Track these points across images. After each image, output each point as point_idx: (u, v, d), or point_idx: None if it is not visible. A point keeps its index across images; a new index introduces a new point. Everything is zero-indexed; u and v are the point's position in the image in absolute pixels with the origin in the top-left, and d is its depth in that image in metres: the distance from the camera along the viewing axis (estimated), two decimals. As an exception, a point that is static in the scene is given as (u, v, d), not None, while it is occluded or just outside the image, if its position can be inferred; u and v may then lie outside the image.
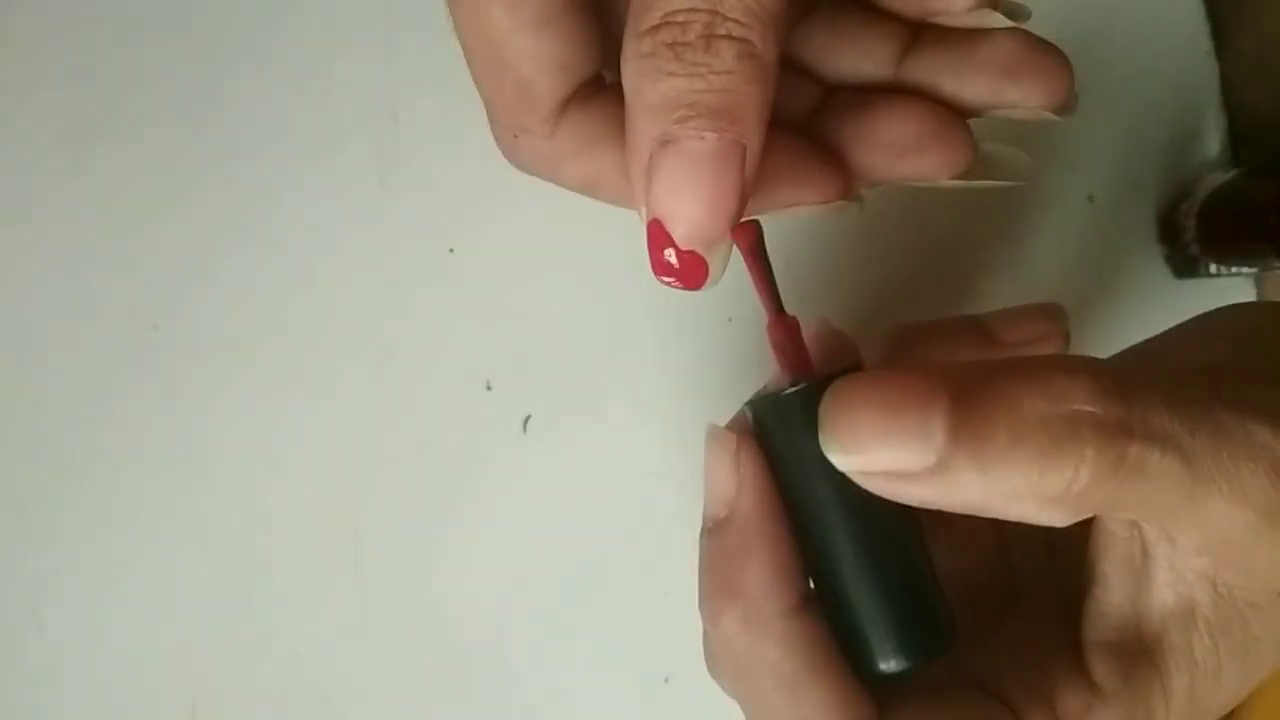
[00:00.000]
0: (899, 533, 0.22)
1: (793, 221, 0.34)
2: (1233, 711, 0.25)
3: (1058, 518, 0.19)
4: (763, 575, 0.22)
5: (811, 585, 0.23)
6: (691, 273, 0.22)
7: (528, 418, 0.34)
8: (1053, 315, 0.29)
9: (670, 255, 0.21)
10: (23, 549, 0.33)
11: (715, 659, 0.24)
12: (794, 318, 0.23)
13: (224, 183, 0.33)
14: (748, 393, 0.33)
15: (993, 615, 0.24)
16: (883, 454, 0.19)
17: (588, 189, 0.24)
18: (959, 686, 0.23)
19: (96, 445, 0.33)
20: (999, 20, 0.23)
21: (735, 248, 0.22)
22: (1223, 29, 0.36)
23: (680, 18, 0.19)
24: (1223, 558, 0.20)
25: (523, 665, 0.34)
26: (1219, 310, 0.24)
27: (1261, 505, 0.19)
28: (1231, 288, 0.36)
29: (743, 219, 0.21)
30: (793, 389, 0.22)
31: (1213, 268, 0.34)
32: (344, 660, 0.33)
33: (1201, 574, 0.20)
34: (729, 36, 0.19)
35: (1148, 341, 0.23)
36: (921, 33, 0.24)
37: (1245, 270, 0.34)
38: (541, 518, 0.34)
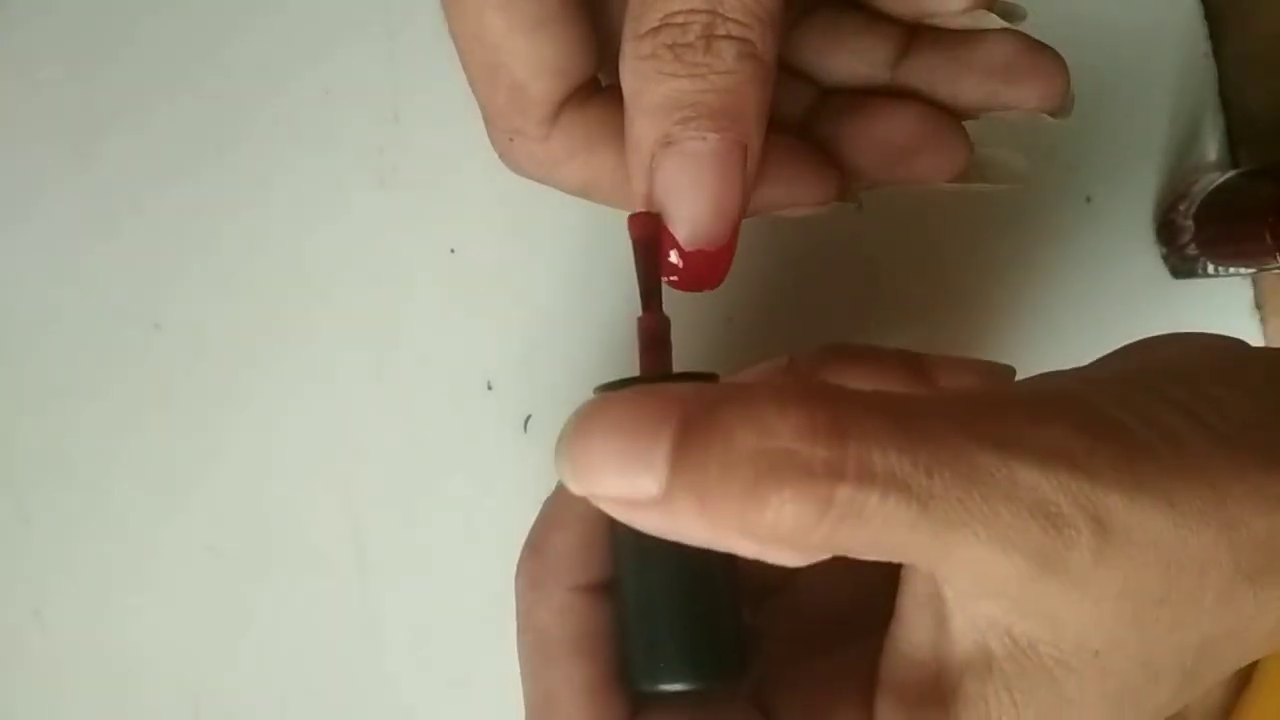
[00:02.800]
0: (694, 552, 0.20)
1: (791, 222, 0.34)
2: (1231, 710, 0.25)
3: (785, 558, 0.18)
4: (564, 545, 0.23)
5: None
6: (694, 273, 0.22)
7: (528, 418, 0.34)
8: (997, 375, 0.26)
9: (673, 256, 0.21)
10: (23, 549, 0.33)
11: (516, 615, 0.24)
12: (665, 318, 0.22)
13: (225, 182, 0.33)
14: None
15: (815, 647, 0.23)
16: (608, 482, 0.17)
17: (584, 191, 0.24)
18: (727, 702, 0.22)
19: (97, 445, 0.33)
20: (994, 21, 0.23)
21: (630, 235, 0.21)
22: (1221, 30, 0.36)
23: (680, 19, 0.19)
24: (1013, 607, 0.18)
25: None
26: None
27: (1032, 552, 0.17)
28: (1229, 288, 0.36)
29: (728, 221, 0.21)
30: (628, 379, 0.21)
31: (1210, 268, 0.34)
32: (345, 660, 0.33)
33: (992, 621, 0.18)
34: (729, 36, 0.19)
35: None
36: (917, 35, 0.24)
37: (1242, 271, 0.34)
38: (541, 517, 0.34)
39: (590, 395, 0.34)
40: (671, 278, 0.22)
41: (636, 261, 0.22)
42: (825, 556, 0.18)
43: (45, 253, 0.33)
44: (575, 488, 0.18)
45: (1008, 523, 0.17)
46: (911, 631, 0.20)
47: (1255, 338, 0.36)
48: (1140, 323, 0.35)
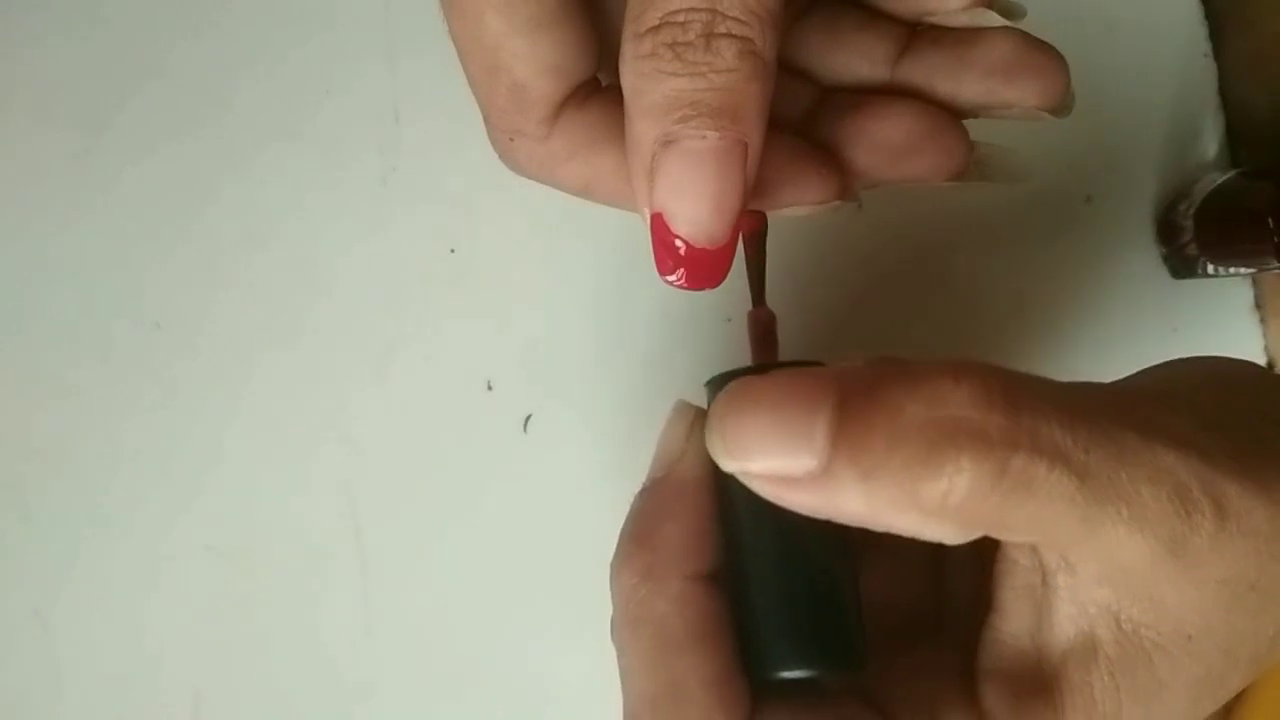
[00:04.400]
0: (816, 540, 0.21)
1: (791, 222, 0.34)
2: (1232, 709, 0.25)
3: (945, 534, 0.18)
4: (677, 535, 0.22)
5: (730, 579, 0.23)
6: (696, 272, 0.22)
7: (528, 417, 0.34)
8: None
9: (675, 254, 0.21)
10: (23, 548, 0.33)
11: (614, 615, 0.24)
12: (771, 312, 0.23)
13: (227, 183, 0.33)
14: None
15: (911, 639, 0.24)
16: (765, 458, 0.18)
17: (584, 191, 0.24)
18: (844, 698, 0.22)
19: (97, 444, 0.33)
20: (994, 19, 0.23)
21: (740, 236, 0.22)
22: (1221, 31, 0.36)
23: (680, 17, 0.19)
24: (1126, 591, 0.19)
25: (524, 664, 0.34)
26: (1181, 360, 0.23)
27: (1164, 535, 0.18)
28: (1229, 288, 0.36)
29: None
30: (739, 370, 0.22)
31: (1210, 268, 0.34)
32: (346, 659, 0.33)
33: (1104, 607, 0.19)
34: (729, 35, 0.19)
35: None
36: (917, 33, 0.24)
37: (1243, 271, 0.34)
38: (542, 517, 0.34)
39: (583, 393, 0.34)
40: (672, 276, 0.22)
41: (746, 260, 0.23)
42: (982, 534, 0.18)
43: (44, 252, 0.33)
44: (728, 464, 0.18)
45: (1148, 504, 0.18)
46: (1012, 622, 0.20)
47: (1255, 338, 0.36)
48: (1140, 323, 0.36)
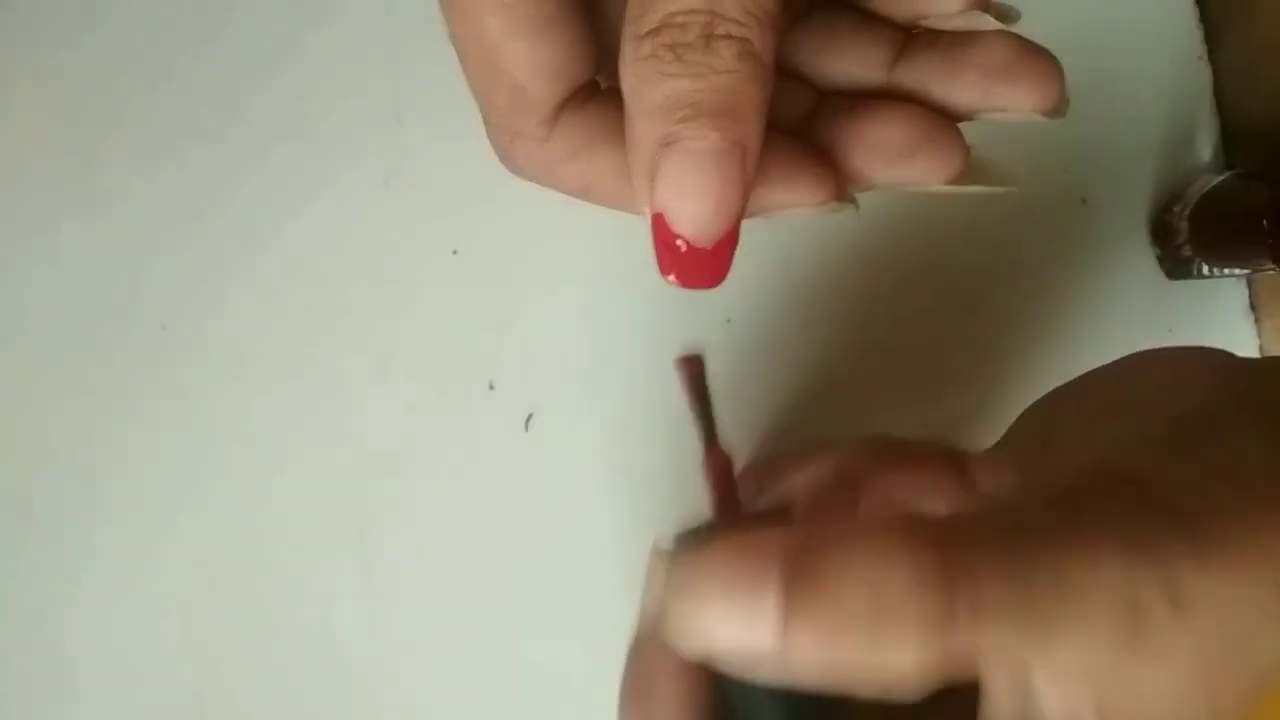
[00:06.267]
0: (803, 695, 0.20)
1: (788, 223, 0.34)
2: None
3: (905, 694, 0.18)
4: (669, 693, 0.23)
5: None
6: (696, 271, 0.22)
7: (529, 417, 0.34)
8: (1034, 461, 0.26)
9: (676, 254, 0.22)
10: (28, 549, 0.33)
11: None
12: (727, 453, 0.23)
13: (231, 185, 0.34)
14: (748, 393, 0.34)
15: None
16: (724, 642, 0.18)
17: (584, 193, 0.24)
18: None
19: (102, 445, 0.33)
20: (989, 23, 0.23)
21: (679, 374, 0.22)
22: (1215, 33, 0.37)
23: (680, 19, 0.19)
24: (1098, 687, 0.19)
25: (525, 663, 0.34)
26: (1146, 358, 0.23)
27: (1120, 638, 0.18)
28: (1223, 289, 0.36)
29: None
30: (695, 529, 0.22)
31: (1205, 269, 0.34)
32: (347, 659, 0.33)
33: (1084, 698, 0.19)
34: (728, 36, 0.19)
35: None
36: (913, 37, 0.24)
37: (1237, 272, 0.34)
38: (543, 516, 0.34)
39: (584, 393, 0.34)
40: (672, 276, 0.22)
41: (690, 402, 0.23)
42: (942, 684, 0.18)
43: (51, 254, 0.33)
44: (687, 646, 0.18)
45: (1095, 619, 0.18)
46: (1002, 715, 0.20)
47: (1250, 338, 0.36)
48: (1135, 323, 0.36)
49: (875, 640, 0.18)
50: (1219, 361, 0.24)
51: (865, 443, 0.27)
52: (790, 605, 0.18)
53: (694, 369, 0.22)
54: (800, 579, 0.18)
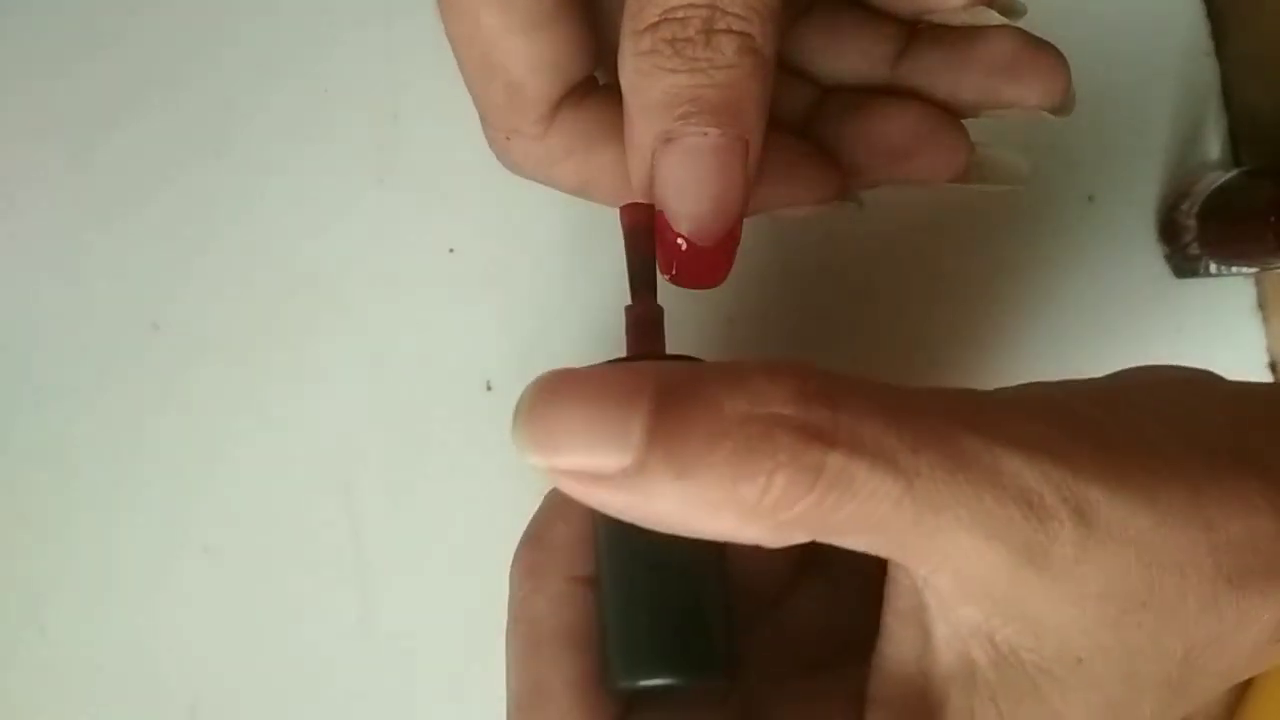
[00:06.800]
0: (677, 547, 0.19)
1: (790, 222, 0.34)
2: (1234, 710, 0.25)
3: (765, 536, 0.17)
4: (565, 535, 0.22)
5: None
6: (697, 270, 0.22)
7: (527, 418, 0.34)
8: None
9: (676, 253, 0.21)
10: (23, 549, 0.33)
11: (508, 606, 0.23)
12: (658, 305, 0.22)
13: (224, 181, 0.33)
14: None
15: (825, 663, 0.22)
16: (574, 454, 0.16)
17: (581, 190, 0.24)
18: (718, 709, 0.21)
19: (96, 445, 0.33)
20: (994, 18, 0.23)
21: (621, 224, 0.21)
22: (1222, 29, 0.36)
23: (680, 14, 0.19)
24: (994, 609, 0.17)
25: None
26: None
27: (1017, 544, 0.16)
28: (1231, 287, 0.36)
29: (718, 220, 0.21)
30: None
31: (1213, 267, 0.34)
32: (344, 660, 0.33)
33: (975, 628, 0.18)
34: (729, 30, 0.19)
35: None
36: (917, 33, 0.24)
37: (1245, 270, 0.34)
38: (541, 518, 0.34)
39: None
40: (672, 274, 0.22)
41: (628, 251, 0.21)
42: (803, 539, 0.17)
43: (42, 252, 0.33)
44: (534, 459, 0.17)
45: (991, 510, 0.16)
46: (897, 647, 0.19)
47: (1257, 337, 0.36)
48: (1142, 322, 0.35)
49: (749, 456, 0.16)
50: (1195, 371, 0.22)
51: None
52: (657, 421, 0.16)
53: (637, 216, 0.21)
54: (667, 405, 0.16)
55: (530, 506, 0.33)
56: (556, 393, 0.17)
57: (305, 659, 0.33)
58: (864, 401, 0.17)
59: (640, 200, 0.21)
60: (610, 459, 0.16)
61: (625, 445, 0.16)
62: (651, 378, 0.16)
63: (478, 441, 0.34)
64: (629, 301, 0.22)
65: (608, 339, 0.34)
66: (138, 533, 0.33)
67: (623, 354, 0.22)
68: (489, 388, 0.34)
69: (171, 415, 0.33)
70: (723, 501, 0.16)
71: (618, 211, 0.21)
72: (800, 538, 0.17)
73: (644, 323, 0.21)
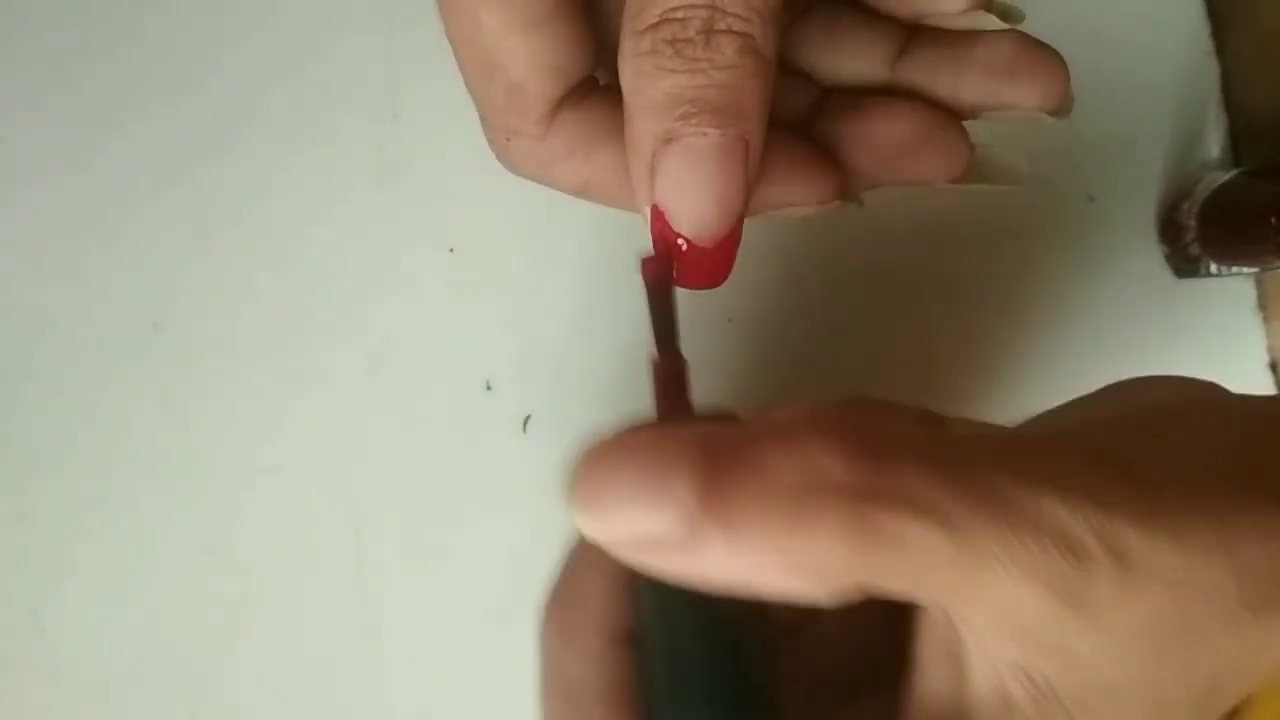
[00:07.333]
0: (719, 601, 0.19)
1: (791, 222, 0.34)
2: (1235, 711, 0.25)
3: (820, 594, 0.17)
4: (596, 594, 0.22)
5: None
6: (698, 271, 0.22)
7: (527, 418, 0.34)
8: None
9: (677, 253, 0.21)
10: (23, 549, 0.33)
11: (539, 666, 0.23)
12: (682, 359, 0.22)
13: (223, 181, 0.33)
14: (749, 393, 0.33)
15: (829, 698, 0.22)
16: (628, 521, 0.17)
17: (581, 191, 0.24)
18: None
19: (96, 445, 0.33)
20: (992, 23, 0.23)
21: (641, 277, 0.21)
22: (1223, 29, 0.36)
23: (680, 14, 0.19)
24: (1033, 647, 0.18)
25: (523, 667, 0.33)
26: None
27: (1058, 587, 0.17)
28: (1231, 288, 0.36)
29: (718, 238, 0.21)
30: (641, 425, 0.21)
31: (1213, 268, 0.34)
32: (344, 661, 0.33)
33: (1012, 664, 0.18)
34: (730, 31, 0.19)
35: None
36: (917, 34, 0.24)
37: (1245, 270, 0.34)
38: (542, 518, 0.34)
39: (583, 393, 0.34)
40: (673, 275, 0.22)
41: (650, 304, 0.22)
42: (857, 595, 0.17)
43: (43, 252, 0.33)
44: (588, 528, 0.17)
45: (1034, 555, 0.17)
46: (929, 680, 0.19)
47: (1258, 338, 0.36)
48: (1143, 322, 0.35)
49: (801, 517, 0.16)
50: (1206, 387, 0.22)
51: (845, 398, 0.26)
52: (703, 494, 0.16)
53: (659, 270, 0.21)
54: (717, 468, 0.16)
55: (531, 506, 0.34)
56: (605, 461, 0.17)
57: (305, 660, 0.33)
58: (909, 454, 0.17)
59: (644, 205, 0.21)
60: (662, 525, 0.16)
61: (676, 510, 0.16)
62: (698, 441, 0.17)
63: (478, 441, 0.34)
64: (652, 352, 0.22)
65: (608, 338, 0.34)
66: (138, 533, 0.33)
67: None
68: (489, 388, 0.34)
69: (172, 415, 0.33)
70: (776, 564, 0.17)
71: (639, 264, 0.21)
72: (851, 595, 0.17)
73: (670, 379, 0.22)
